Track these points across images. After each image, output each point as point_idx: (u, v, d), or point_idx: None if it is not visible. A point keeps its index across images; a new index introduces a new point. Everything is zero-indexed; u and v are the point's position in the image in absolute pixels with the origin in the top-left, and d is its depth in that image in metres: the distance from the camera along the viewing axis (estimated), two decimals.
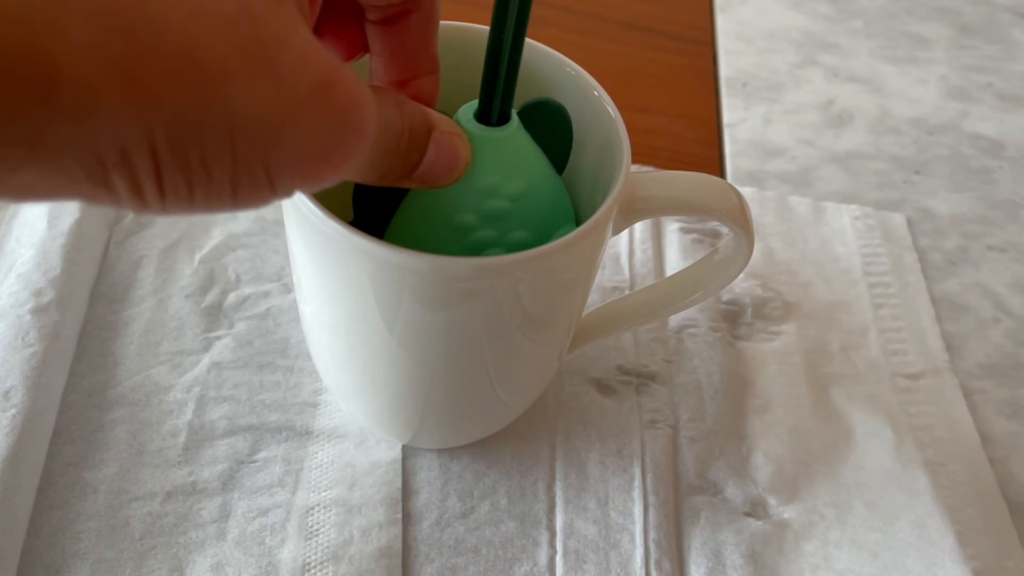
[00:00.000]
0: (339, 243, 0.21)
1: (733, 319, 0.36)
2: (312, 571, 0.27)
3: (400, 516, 0.28)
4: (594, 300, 0.35)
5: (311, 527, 0.28)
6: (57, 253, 0.32)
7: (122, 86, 0.13)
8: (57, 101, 0.12)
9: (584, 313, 0.29)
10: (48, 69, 0.12)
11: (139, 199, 0.14)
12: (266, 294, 0.34)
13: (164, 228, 0.35)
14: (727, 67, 0.50)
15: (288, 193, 0.16)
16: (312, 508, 0.28)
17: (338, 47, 0.22)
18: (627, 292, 0.36)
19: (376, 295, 0.22)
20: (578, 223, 0.23)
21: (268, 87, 0.14)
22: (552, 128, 0.25)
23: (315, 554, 0.27)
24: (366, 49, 0.22)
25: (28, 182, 0.13)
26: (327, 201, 0.21)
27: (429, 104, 0.23)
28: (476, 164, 0.22)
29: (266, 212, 0.36)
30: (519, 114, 0.23)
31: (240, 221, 0.36)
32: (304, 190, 0.17)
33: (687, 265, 0.31)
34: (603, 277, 0.37)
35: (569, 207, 0.25)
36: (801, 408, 0.34)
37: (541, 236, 0.24)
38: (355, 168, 0.17)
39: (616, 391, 0.33)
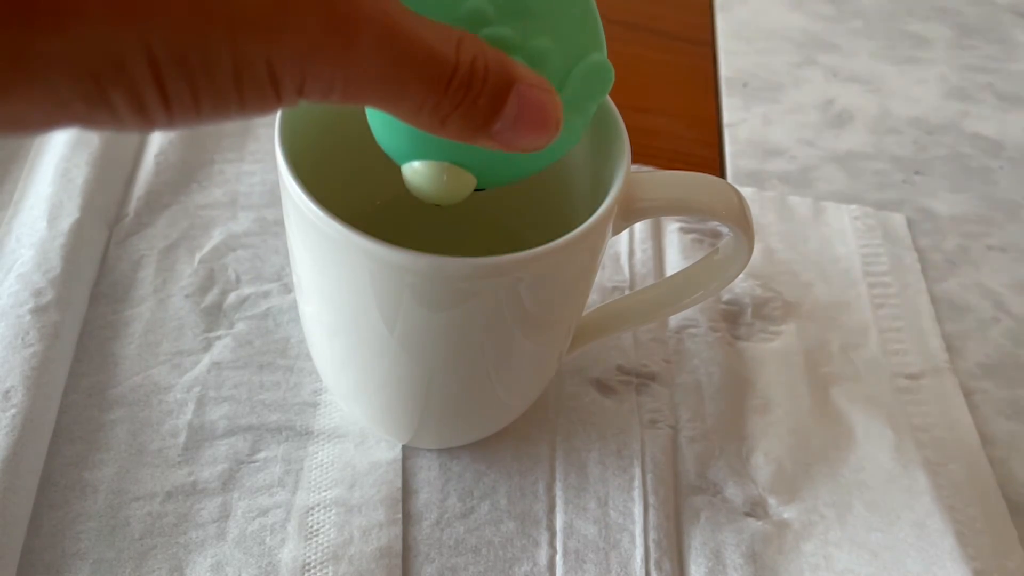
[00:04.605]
0: (339, 243, 0.21)
1: (733, 319, 0.36)
2: (312, 571, 0.27)
3: (400, 516, 0.28)
4: (594, 300, 0.35)
5: (311, 527, 0.28)
6: (57, 253, 0.32)
7: None
8: (36, 12, 0.12)
9: (584, 313, 0.29)
10: None
11: (142, 114, 0.14)
12: (266, 294, 0.34)
13: (164, 228, 0.35)
14: (727, 67, 0.50)
15: (293, 94, 0.15)
16: (312, 508, 0.28)
17: None
18: (627, 292, 0.36)
19: (376, 295, 0.22)
20: (578, 224, 0.23)
21: None
22: None
23: (315, 554, 0.27)
24: None
25: (17, 111, 0.13)
26: (328, 201, 0.21)
27: None
28: None
29: (266, 212, 0.36)
30: None
31: (240, 221, 0.36)
32: (311, 94, 0.16)
33: (687, 265, 0.31)
34: (603, 277, 0.37)
35: (600, 32, 0.22)
36: (801, 408, 0.33)
37: (567, 53, 0.21)
38: (375, 83, 0.16)
39: (616, 391, 0.33)
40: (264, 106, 0.15)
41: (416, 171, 0.22)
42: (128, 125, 0.14)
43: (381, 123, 0.22)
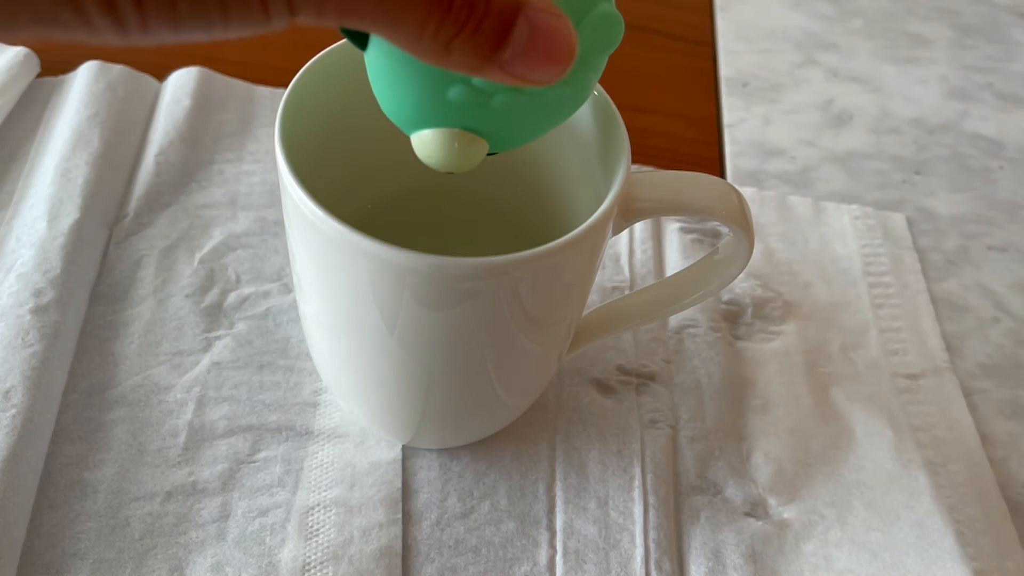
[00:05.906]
0: (339, 243, 0.21)
1: (733, 319, 0.36)
2: (312, 571, 0.27)
3: (400, 516, 0.28)
4: (594, 300, 0.35)
5: (311, 527, 0.28)
6: (57, 253, 0.32)
7: None
8: None
9: (584, 313, 0.29)
10: None
11: (113, 15, 0.13)
12: (266, 294, 0.34)
13: (164, 228, 0.35)
14: (727, 67, 0.50)
15: (283, 9, 0.14)
16: (312, 508, 0.28)
17: None
18: (627, 292, 0.36)
19: (376, 295, 0.22)
20: (578, 223, 0.23)
21: None
22: None
23: (315, 554, 0.27)
24: None
25: None
26: (328, 201, 0.21)
27: None
28: None
29: (266, 212, 0.36)
30: None
31: (240, 221, 0.36)
32: (302, 9, 0.14)
33: (687, 265, 0.31)
34: (603, 277, 0.37)
35: None
36: (801, 408, 0.34)
37: (574, 4, 0.19)
38: (373, 1, 0.15)
39: (616, 391, 0.33)
40: (251, 19, 0.14)
41: (426, 140, 0.21)
42: (99, 30, 0.13)
43: (387, 89, 0.21)
